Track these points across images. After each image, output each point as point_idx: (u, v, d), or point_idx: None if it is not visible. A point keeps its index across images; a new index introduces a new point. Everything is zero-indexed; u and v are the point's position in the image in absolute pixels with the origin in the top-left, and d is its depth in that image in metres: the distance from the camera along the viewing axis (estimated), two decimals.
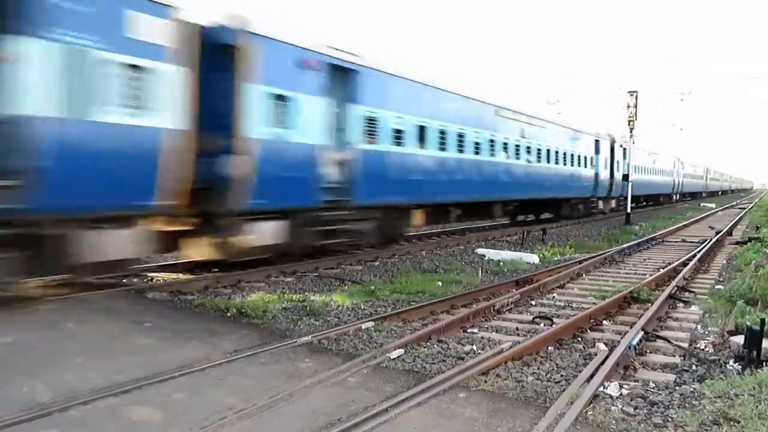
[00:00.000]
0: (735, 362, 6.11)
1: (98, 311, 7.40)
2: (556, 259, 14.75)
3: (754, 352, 5.92)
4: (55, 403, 4.56)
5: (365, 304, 8.77)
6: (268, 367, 5.62)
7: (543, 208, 25.57)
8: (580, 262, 13.26)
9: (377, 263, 12.99)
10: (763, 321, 6.06)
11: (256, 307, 8.03)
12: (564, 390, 5.19)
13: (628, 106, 28.58)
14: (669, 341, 7.04)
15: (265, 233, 10.62)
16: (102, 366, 5.43)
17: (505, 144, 19.56)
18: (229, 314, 7.82)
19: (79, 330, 6.62)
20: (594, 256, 14.27)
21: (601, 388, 5.27)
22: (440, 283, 10.65)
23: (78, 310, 7.37)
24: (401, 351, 6.19)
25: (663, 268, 12.57)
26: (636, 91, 28.80)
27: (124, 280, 9.92)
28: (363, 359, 5.86)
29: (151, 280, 10.07)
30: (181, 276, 10.42)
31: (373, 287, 10.00)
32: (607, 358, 6.01)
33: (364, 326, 7.19)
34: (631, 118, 28.62)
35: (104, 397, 4.71)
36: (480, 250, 15.17)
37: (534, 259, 14.17)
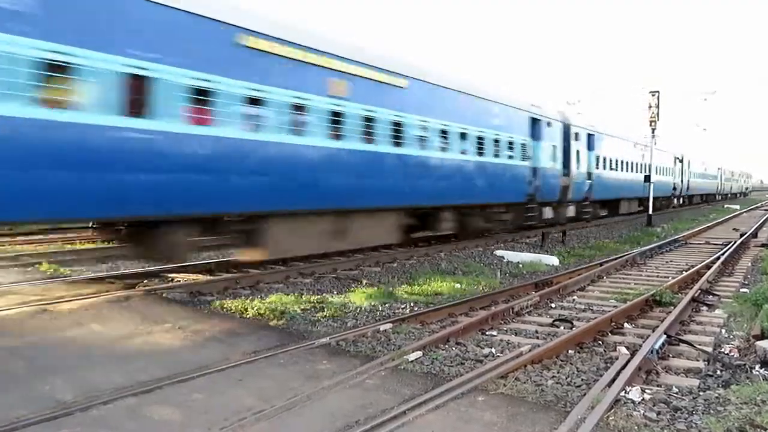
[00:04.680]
0: (761, 368, 5.98)
1: (120, 311, 7.49)
2: (576, 261, 14.60)
3: None
4: (76, 402, 4.62)
5: (383, 305, 8.76)
6: (287, 368, 5.63)
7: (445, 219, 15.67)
8: (600, 264, 13.09)
9: (395, 264, 12.97)
10: None
11: (275, 308, 8.08)
12: (585, 394, 5.12)
13: (650, 107, 28.22)
14: (692, 345, 6.91)
15: None
16: (123, 366, 5.50)
17: (280, 110, 10.26)
18: (247, 315, 7.87)
19: (101, 330, 6.71)
20: (615, 258, 14.09)
21: (622, 393, 5.19)
22: (459, 285, 10.60)
23: (100, 309, 7.48)
24: (419, 353, 6.17)
25: (686, 271, 12.36)
26: (658, 91, 28.44)
27: (146, 281, 10.04)
28: (381, 361, 5.84)
29: (172, 280, 10.17)
30: (200, 277, 10.50)
31: (391, 289, 9.99)
32: (628, 362, 5.92)
33: (382, 328, 7.17)
34: (653, 119, 28.25)
35: (125, 397, 4.76)
36: (499, 252, 15.08)
37: (554, 261, 14.05)
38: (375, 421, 4.42)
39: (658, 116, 28.26)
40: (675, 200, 43.18)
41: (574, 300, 9.77)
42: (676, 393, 5.40)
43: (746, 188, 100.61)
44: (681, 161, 44.13)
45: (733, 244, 16.93)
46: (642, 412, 4.84)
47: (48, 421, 4.29)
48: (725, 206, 50.58)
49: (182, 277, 10.42)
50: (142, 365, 5.53)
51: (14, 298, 8.23)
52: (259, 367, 5.68)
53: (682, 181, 44.79)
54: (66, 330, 6.63)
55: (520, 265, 13.39)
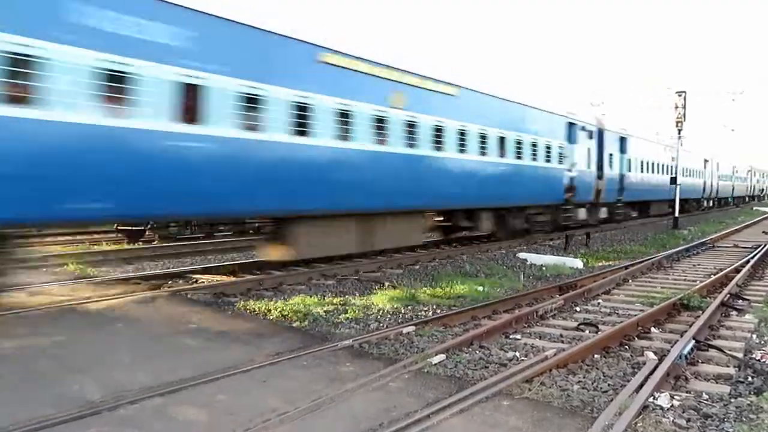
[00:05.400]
0: None
1: (146, 312, 7.59)
2: (600, 264, 14.41)
3: None
4: (104, 401, 4.68)
5: (406, 308, 8.73)
6: (310, 370, 5.64)
7: None
8: (626, 268, 12.90)
9: (417, 267, 12.93)
10: None
11: (298, 309, 8.10)
12: (612, 400, 5.03)
13: (677, 107, 27.78)
14: (722, 351, 6.76)
15: None
16: (149, 366, 5.56)
17: None
18: (271, 316, 7.91)
19: (127, 330, 6.80)
20: (641, 262, 13.87)
21: (650, 399, 5.09)
22: (482, 288, 10.52)
23: (126, 310, 7.59)
24: (443, 356, 6.13)
25: (714, 275, 12.11)
26: (684, 92, 28.00)
27: (171, 282, 10.16)
28: (404, 364, 5.81)
29: (196, 281, 10.27)
30: (224, 278, 10.59)
31: (413, 291, 9.96)
32: (656, 367, 5.81)
33: (405, 330, 7.15)
34: (680, 119, 27.81)
35: (151, 397, 4.81)
36: (522, 255, 14.95)
37: (578, 263, 13.88)
38: (399, 425, 4.40)
39: (684, 117, 27.80)
40: (584, 213, 21.82)
41: (599, 303, 9.63)
42: (707, 400, 5.29)
43: (761, 190, 79.63)
44: (596, 137, 22.63)
45: (762, 248, 16.55)
46: (671, 418, 4.75)
47: (76, 420, 4.35)
48: (754, 208, 49.36)
49: (206, 279, 10.52)
50: (167, 365, 5.58)
51: (43, 298, 8.39)
52: (282, 368, 5.70)
53: (600, 175, 22.84)
54: (94, 329, 6.73)
55: (544, 268, 13.26)
